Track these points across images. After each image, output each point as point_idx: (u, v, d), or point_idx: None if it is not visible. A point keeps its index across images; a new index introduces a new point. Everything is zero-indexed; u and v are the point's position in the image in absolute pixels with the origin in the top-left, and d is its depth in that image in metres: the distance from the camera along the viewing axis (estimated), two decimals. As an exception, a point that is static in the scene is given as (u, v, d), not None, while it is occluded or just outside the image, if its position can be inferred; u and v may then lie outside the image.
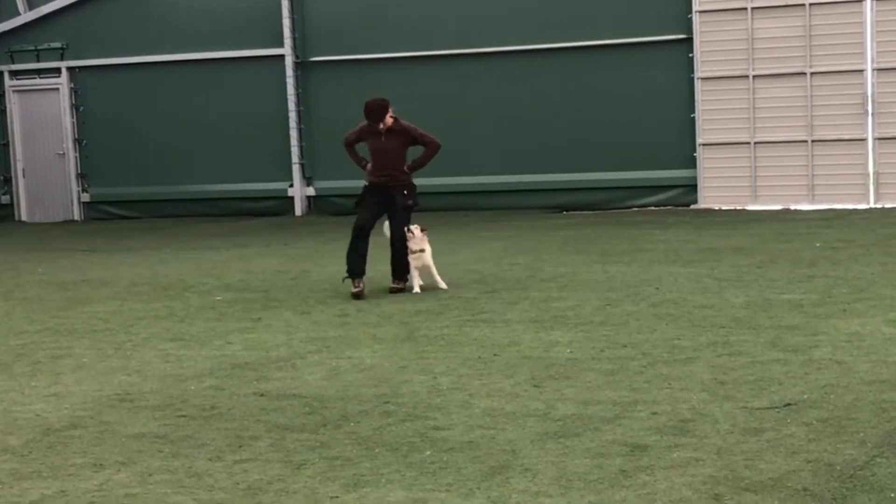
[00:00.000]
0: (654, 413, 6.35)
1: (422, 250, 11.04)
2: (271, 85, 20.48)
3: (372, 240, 11.27)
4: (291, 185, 20.62)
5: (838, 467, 5.28)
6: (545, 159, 19.15)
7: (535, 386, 7.11)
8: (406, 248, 11.07)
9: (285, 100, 20.43)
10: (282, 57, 20.38)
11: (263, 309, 10.55)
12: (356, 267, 10.97)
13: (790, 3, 17.66)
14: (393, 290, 11.18)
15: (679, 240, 14.30)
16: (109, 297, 11.78)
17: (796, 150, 17.87)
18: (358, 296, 10.77)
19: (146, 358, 8.57)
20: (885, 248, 12.60)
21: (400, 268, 11.23)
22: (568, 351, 8.09)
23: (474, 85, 19.51)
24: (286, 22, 20.29)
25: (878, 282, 10.31)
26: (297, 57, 20.43)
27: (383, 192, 11.21)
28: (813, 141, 17.74)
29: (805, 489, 5.02)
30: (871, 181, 17.50)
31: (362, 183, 11.57)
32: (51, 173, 22.16)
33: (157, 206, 21.43)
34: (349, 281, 10.99)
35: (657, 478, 5.27)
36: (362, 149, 11.50)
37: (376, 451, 5.91)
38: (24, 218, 22.40)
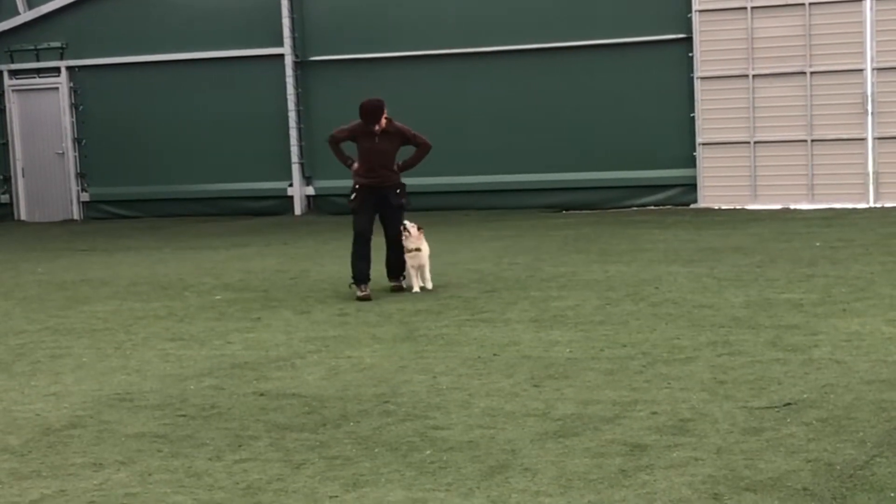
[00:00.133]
0: (654, 413, 6.34)
1: (418, 249, 11.02)
2: (271, 84, 20.48)
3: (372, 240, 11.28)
4: (291, 185, 20.62)
5: (838, 467, 5.28)
6: (545, 159, 19.14)
7: (535, 385, 7.11)
8: (401, 246, 11.07)
9: (285, 99, 20.43)
10: (281, 56, 20.38)
11: (263, 308, 10.55)
12: (361, 273, 10.97)
13: (790, 2, 17.66)
14: (394, 289, 11.19)
15: (679, 239, 14.30)
16: (109, 296, 11.78)
17: (796, 149, 17.87)
18: (365, 298, 10.76)
19: (146, 357, 8.57)
20: (885, 247, 12.60)
21: (396, 266, 11.24)
22: (567, 350, 8.09)
23: (474, 84, 19.52)
24: (286, 21, 20.29)
25: (877, 281, 10.31)
26: (296, 56, 20.43)
27: (376, 193, 11.18)
28: (812, 140, 17.74)
29: (805, 489, 5.02)
30: (871, 181, 17.49)
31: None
32: (50, 173, 22.16)
33: (156, 206, 21.42)
34: (355, 286, 10.99)
35: (657, 477, 5.27)
36: (348, 147, 11.41)
37: (376, 450, 5.91)
38: (23, 217, 22.40)
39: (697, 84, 18.23)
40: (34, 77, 22.08)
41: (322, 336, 9.08)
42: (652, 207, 18.59)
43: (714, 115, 18.22)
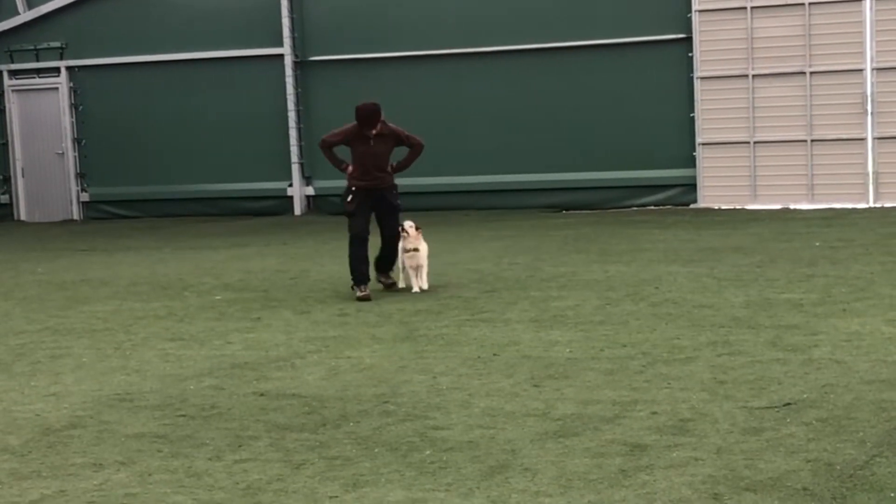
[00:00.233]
0: (654, 413, 6.34)
1: (416, 249, 11.00)
2: (270, 84, 20.49)
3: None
4: (291, 185, 20.62)
5: (838, 467, 5.28)
6: (545, 159, 19.15)
7: (535, 385, 7.11)
8: (396, 245, 11.09)
9: (284, 99, 20.43)
10: (281, 56, 20.38)
11: (263, 308, 10.55)
12: (361, 274, 10.97)
13: (790, 2, 17.67)
14: (384, 285, 11.22)
15: (678, 239, 14.30)
16: (109, 296, 11.78)
17: (796, 149, 17.87)
18: (364, 299, 10.76)
19: (146, 357, 8.57)
20: (885, 247, 12.60)
21: (387, 262, 11.30)
22: (567, 350, 8.09)
23: (474, 84, 19.52)
24: (285, 21, 20.29)
25: (877, 281, 10.31)
26: (296, 56, 20.43)
27: (373, 195, 11.18)
28: (812, 140, 17.74)
29: (805, 489, 5.02)
30: (871, 180, 17.50)
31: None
32: (50, 173, 22.16)
33: (156, 206, 21.43)
34: (355, 287, 10.99)
35: (657, 477, 5.26)
36: (340, 150, 11.39)
37: (376, 450, 5.91)
38: (23, 217, 22.40)
39: (697, 84, 18.24)
40: (34, 77, 22.08)
41: (322, 336, 9.08)
42: (652, 207, 18.59)
43: (714, 115, 18.22)
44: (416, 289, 11.04)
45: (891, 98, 17.33)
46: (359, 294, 10.82)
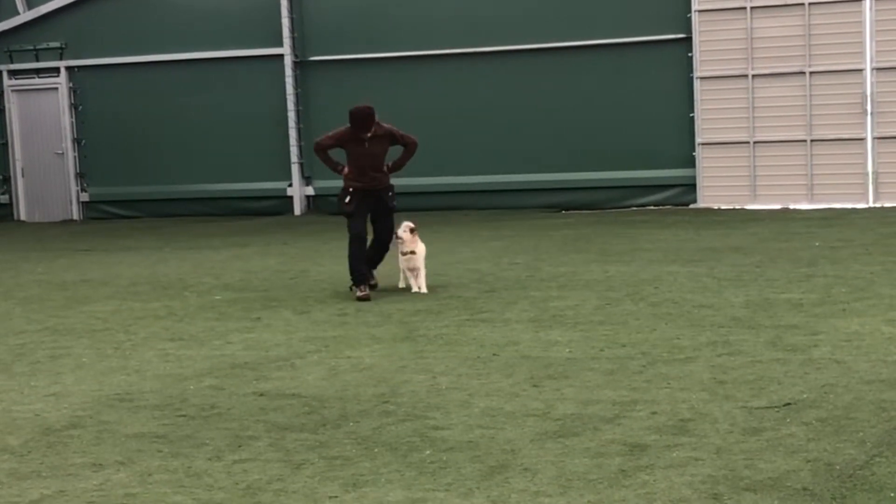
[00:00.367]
0: (654, 413, 6.35)
1: (413, 252, 10.96)
2: (270, 84, 20.48)
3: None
4: (290, 185, 20.62)
5: (838, 467, 5.28)
6: (544, 159, 19.15)
7: (535, 385, 7.11)
8: (388, 247, 11.12)
9: (284, 99, 20.43)
10: (281, 56, 20.38)
11: (263, 308, 10.55)
12: (361, 274, 10.97)
13: (789, 2, 17.67)
14: (369, 286, 11.25)
15: (678, 239, 14.30)
16: (109, 296, 11.78)
17: (795, 149, 17.87)
18: (364, 299, 10.76)
19: (145, 358, 8.57)
20: (885, 247, 12.60)
21: (374, 259, 11.32)
22: (567, 350, 8.09)
23: (473, 84, 19.51)
24: (285, 21, 20.29)
25: (877, 281, 10.31)
26: (296, 56, 20.43)
27: (370, 196, 11.18)
28: (812, 140, 17.74)
29: (804, 489, 5.02)
30: (871, 180, 17.50)
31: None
32: (50, 173, 22.15)
33: (156, 206, 21.42)
34: (355, 287, 10.99)
35: (657, 477, 5.27)
36: (334, 152, 11.38)
37: (375, 450, 5.91)
38: (23, 217, 22.40)
39: (697, 84, 18.23)
40: (34, 77, 22.08)
41: (322, 336, 9.08)
42: (652, 207, 18.59)
43: (713, 115, 18.22)
44: (415, 288, 11.03)
45: (891, 98, 17.33)
46: (358, 294, 10.82)
